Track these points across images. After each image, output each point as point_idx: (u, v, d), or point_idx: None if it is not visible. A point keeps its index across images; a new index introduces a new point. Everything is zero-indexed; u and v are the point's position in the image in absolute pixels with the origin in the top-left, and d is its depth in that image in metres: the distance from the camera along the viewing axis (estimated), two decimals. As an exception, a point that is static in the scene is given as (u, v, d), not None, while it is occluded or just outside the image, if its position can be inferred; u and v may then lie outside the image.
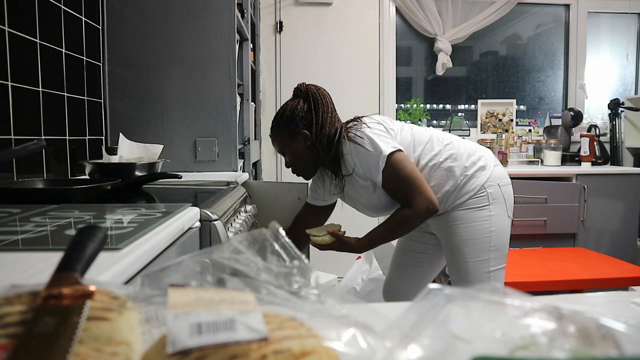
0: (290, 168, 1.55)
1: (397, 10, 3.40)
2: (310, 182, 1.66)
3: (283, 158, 1.58)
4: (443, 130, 3.00)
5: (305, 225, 1.59)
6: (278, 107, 3.22)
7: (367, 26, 3.32)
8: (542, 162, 3.27)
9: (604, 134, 3.55)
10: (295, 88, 1.52)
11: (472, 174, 1.46)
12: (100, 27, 2.05)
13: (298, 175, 1.57)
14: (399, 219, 1.44)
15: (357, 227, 2.71)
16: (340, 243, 1.47)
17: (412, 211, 1.40)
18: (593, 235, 2.99)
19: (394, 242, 2.29)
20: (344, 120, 1.53)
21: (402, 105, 3.55)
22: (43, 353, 0.27)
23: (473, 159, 1.49)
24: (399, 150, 1.40)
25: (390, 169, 1.39)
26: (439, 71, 3.46)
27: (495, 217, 1.46)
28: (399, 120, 1.57)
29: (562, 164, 3.22)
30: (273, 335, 0.29)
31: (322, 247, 1.49)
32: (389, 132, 1.46)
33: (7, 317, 0.30)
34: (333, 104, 1.50)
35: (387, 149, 1.38)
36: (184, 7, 2.11)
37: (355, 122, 1.47)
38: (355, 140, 1.41)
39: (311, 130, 1.45)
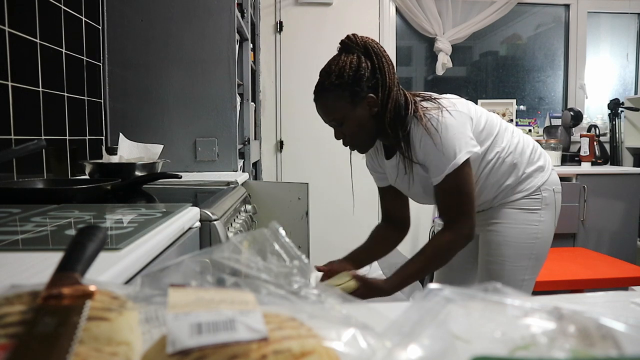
0: (342, 140, 1.30)
1: (397, 10, 3.40)
2: (365, 161, 1.48)
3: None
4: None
5: (393, 211, 1.47)
6: (278, 107, 3.27)
7: (367, 26, 3.32)
8: (542, 162, 3.27)
9: (604, 134, 3.55)
10: (344, 40, 1.26)
11: (531, 172, 1.36)
12: (100, 27, 2.05)
13: (352, 148, 1.33)
14: (438, 249, 1.27)
15: (356, 227, 2.70)
16: (366, 287, 1.25)
17: (453, 236, 1.25)
18: (593, 235, 2.99)
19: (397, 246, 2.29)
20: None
21: (402, 105, 3.55)
22: (43, 353, 0.27)
23: (533, 157, 1.38)
24: (473, 154, 1.23)
25: (453, 178, 1.22)
26: (439, 71, 3.46)
27: (544, 224, 1.37)
28: (469, 101, 1.39)
29: (562, 164, 3.22)
30: (273, 335, 0.29)
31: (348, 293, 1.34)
32: (470, 123, 1.26)
33: (7, 317, 0.30)
34: None
35: (462, 156, 1.20)
36: (184, 7, 2.11)
37: (433, 102, 1.26)
38: (430, 130, 1.20)
39: (377, 94, 1.22)
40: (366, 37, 1.26)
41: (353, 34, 1.26)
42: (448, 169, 1.21)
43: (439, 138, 1.20)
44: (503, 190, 1.36)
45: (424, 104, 1.26)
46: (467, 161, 1.22)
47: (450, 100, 1.28)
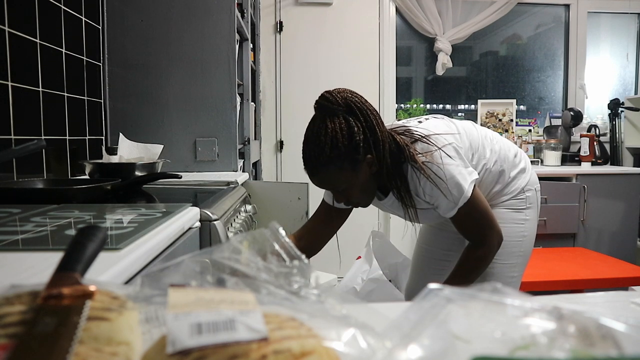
0: (344, 202, 1.26)
1: (397, 10, 3.40)
2: None
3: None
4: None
5: (318, 231, 1.42)
6: (278, 107, 3.28)
7: (367, 26, 3.32)
8: (542, 162, 3.27)
9: (604, 134, 3.55)
10: (321, 100, 1.16)
11: (515, 175, 1.39)
12: (100, 27, 2.05)
13: (356, 206, 1.31)
14: (474, 263, 1.29)
15: (356, 227, 2.69)
16: None
17: (486, 249, 1.28)
18: (593, 235, 2.99)
19: (397, 246, 2.29)
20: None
21: (402, 105, 3.55)
22: (43, 353, 0.27)
23: (516, 160, 1.41)
24: (476, 181, 1.25)
25: (466, 209, 1.23)
26: (439, 71, 3.46)
27: (529, 222, 1.40)
28: (447, 118, 1.39)
29: (562, 164, 3.22)
30: (273, 335, 0.29)
31: None
32: (459, 153, 1.24)
33: (7, 317, 0.30)
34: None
35: (468, 188, 1.20)
36: (184, 7, 2.11)
37: (421, 141, 1.22)
38: (434, 179, 1.18)
39: (373, 153, 1.16)
40: (343, 92, 1.16)
41: (327, 92, 1.16)
42: (461, 203, 1.22)
43: (445, 185, 1.18)
44: (491, 195, 1.39)
45: (417, 147, 1.21)
46: (474, 190, 1.23)
47: (437, 137, 1.23)
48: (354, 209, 1.41)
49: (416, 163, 1.19)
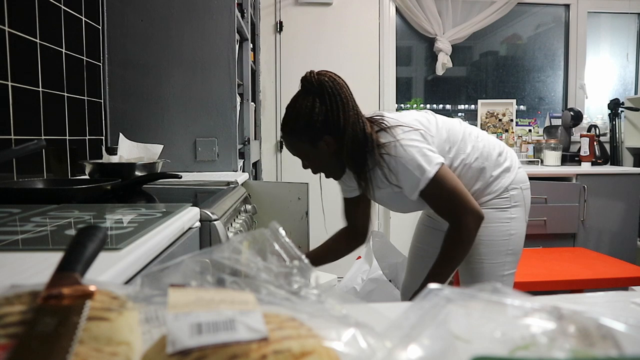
0: (311, 170, 1.40)
1: (397, 10, 3.40)
2: None
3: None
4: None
5: (356, 219, 1.55)
6: (278, 107, 3.27)
7: (367, 26, 3.32)
8: (542, 162, 3.27)
9: (604, 134, 3.55)
10: (303, 79, 1.30)
11: (499, 174, 1.40)
12: (100, 27, 2.05)
13: (327, 177, 1.43)
14: (454, 247, 1.33)
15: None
16: None
17: (463, 232, 1.31)
18: (593, 235, 2.99)
19: (397, 246, 2.29)
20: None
21: (402, 105, 3.55)
22: (43, 353, 0.27)
23: (500, 159, 1.42)
24: (442, 164, 1.28)
25: (431, 188, 1.28)
26: (439, 71, 3.46)
27: (516, 221, 1.41)
28: (428, 111, 1.45)
29: (562, 164, 3.22)
30: (273, 335, 0.29)
31: None
32: (426, 139, 1.31)
33: (7, 317, 0.30)
34: (352, 95, 1.31)
35: (430, 170, 1.26)
36: (184, 7, 2.11)
37: (386, 131, 1.30)
38: (392, 162, 1.27)
39: (334, 134, 1.28)
40: (324, 75, 1.28)
41: (311, 72, 1.29)
42: (422, 184, 1.27)
43: (407, 166, 1.26)
44: (474, 194, 1.39)
45: (381, 139, 1.29)
46: (437, 171, 1.27)
47: (402, 128, 1.30)
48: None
49: (380, 149, 1.28)
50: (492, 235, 1.39)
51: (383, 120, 1.33)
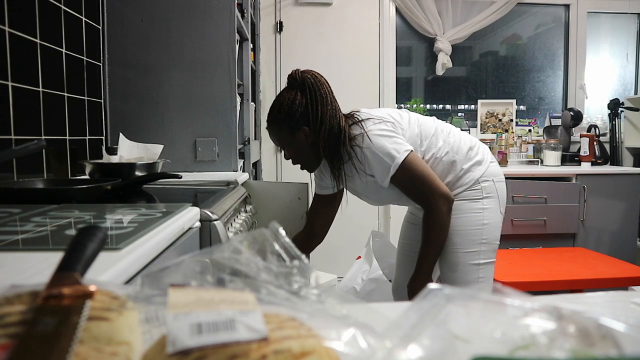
0: (291, 160, 1.52)
1: (397, 10, 3.40)
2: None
3: (283, 156, 1.57)
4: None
5: (318, 219, 1.61)
6: (278, 107, 3.26)
7: (367, 26, 3.32)
8: (542, 162, 3.27)
9: (604, 134, 3.55)
10: (289, 76, 1.44)
11: (469, 167, 1.47)
12: (100, 27, 2.05)
13: (301, 168, 1.53)
14: (429, 232, 1.43)
15: (355, 228, 2.69)
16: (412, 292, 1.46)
17: (435, 215, 1.40)
18: (593, 235, 2.99)
19: (395, 244, 2.28)
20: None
21: (402, 105, 3.55)
22: (43, 353, 0.27)
23: (471, 153, 1.49)
24: (410, 151, 1.38)
25: (401, 174, 1.38)
26: (439, 71, 3.46)
27: (488, 211, 1.47)
28: (403, 109, 1.56)
29: (562, 164, 3.22)
30: (273, 335, 0.29)
31: None
32: (396, 131, 1.42)
33: (7, 317, 0.30)
34: (332, 93, 1.44)
35: (399, 156, 1.36)
36: (184, 7, 2.11)
37: (357, 124, 1.42)
38: (363, 151, 1.38)
39: (310, 126, 1.41)
40: (307, 73, 1.42)
41: (297, 70, 1.43)
42: (392, 170, 1.37)
43: (374, 149, 1.37)
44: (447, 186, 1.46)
45: (354, 130, 1.41)
46: (406, 158, 1.36)
47: (374, 116, 1.43)
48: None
49: (352, 141, 1.40)
50: (465, 225, 1.45)
51: (357, 114, 1.45)
